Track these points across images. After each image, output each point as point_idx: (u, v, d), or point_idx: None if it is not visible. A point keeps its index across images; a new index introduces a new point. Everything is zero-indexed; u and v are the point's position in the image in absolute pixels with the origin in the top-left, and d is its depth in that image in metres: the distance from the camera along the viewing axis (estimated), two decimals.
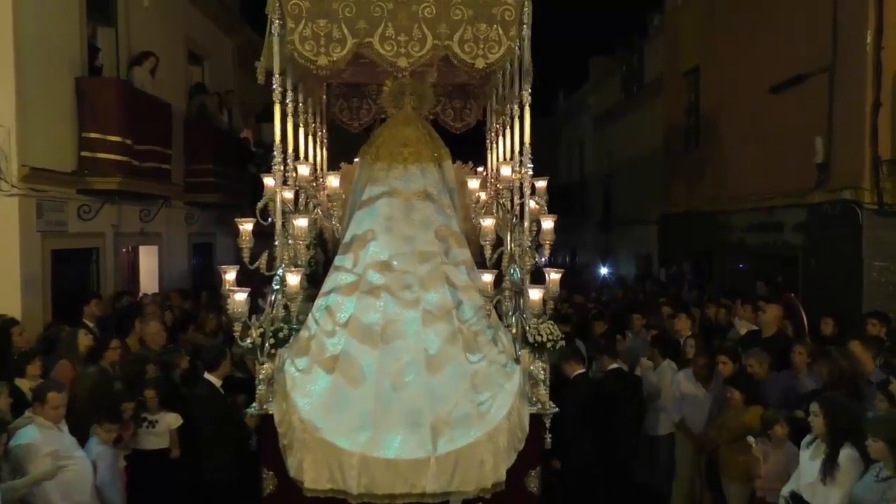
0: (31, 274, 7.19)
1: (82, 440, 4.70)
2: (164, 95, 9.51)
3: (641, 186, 15.80)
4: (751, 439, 4.88)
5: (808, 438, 4.34)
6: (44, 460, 4.19)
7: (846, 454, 4.02)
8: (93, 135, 7.94)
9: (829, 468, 4.05)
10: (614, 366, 6.16)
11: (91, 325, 6.82)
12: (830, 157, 8.47)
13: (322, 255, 5.91)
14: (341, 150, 7.43)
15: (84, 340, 5.93)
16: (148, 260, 10.31)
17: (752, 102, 10.35)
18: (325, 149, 6.84)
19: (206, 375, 5.35)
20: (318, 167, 6.54)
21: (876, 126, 7.72)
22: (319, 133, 6.62)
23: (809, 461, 4.22)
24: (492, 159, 6.46)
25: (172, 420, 5.36)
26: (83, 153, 7.93)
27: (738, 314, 7.35)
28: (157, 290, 9.81)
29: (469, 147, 6.22)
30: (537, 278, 4.74)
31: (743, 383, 5.29)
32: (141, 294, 9.32)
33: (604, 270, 17.85)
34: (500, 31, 4.67)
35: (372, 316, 4.70)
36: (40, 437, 4.26)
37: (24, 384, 5.10)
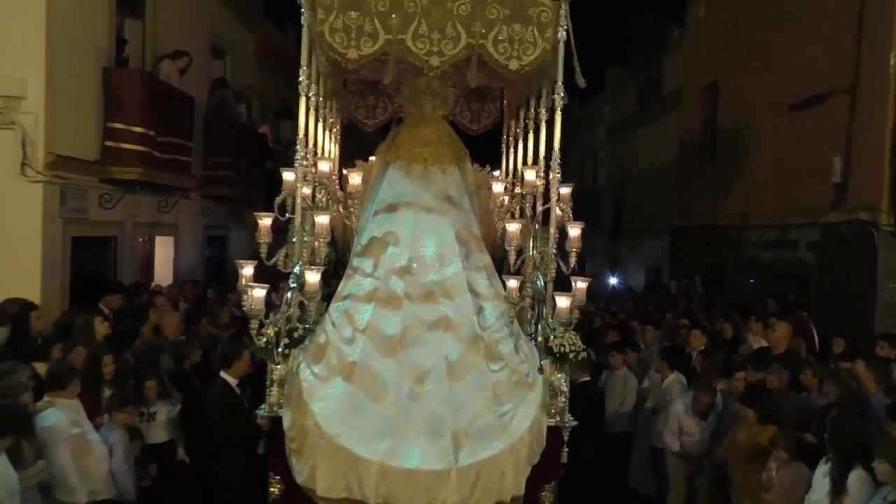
0: (51, 260, 7.25)
1: None
2: (187, 89, 9.58)
3: (654, 198, 15.76)
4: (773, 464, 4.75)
5: (825, 458, 4.31)
6: (67, 443, 4.19)
7: (856, 475, 4.01)
8: (117, 125, 8.02)
9: (837, 489, 4.04)
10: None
11: (107, 311, 6.85)
12: (848, 178, 8.42)
13: (333, 254, 5.78)
14: (346, 148, 7.37)
15: (101, 329, 5.93)
16: (163, 250, 10.38)
17: (770, 119, 10.31)
18: (337, 145, 6.77)
19: (223, 374, 5.20)
20: (335, 164, 6.50)
21: (895, 148, 7.70)
22: (335, 129, 6.47)
23: (822, 478, 4.22)
24: (509, 163, 6.29)
25: (169, 408, 5.21)
26: (107, 143, 8.01)
27: (752, 330, 7.35)
28: (171, 281, 9.89)
29: (474, 149, 6.11)
30: (558, 286, 4.62)
31: (756, 402, 5.20)
32: (154, 284, 9.38)
33: (613, 280, 17.82)
34: (536, 33, 4.51)
35: (391, 321, 4.55)
36: (65, 418, 4.25)
37: (41, 368, 5.07)
